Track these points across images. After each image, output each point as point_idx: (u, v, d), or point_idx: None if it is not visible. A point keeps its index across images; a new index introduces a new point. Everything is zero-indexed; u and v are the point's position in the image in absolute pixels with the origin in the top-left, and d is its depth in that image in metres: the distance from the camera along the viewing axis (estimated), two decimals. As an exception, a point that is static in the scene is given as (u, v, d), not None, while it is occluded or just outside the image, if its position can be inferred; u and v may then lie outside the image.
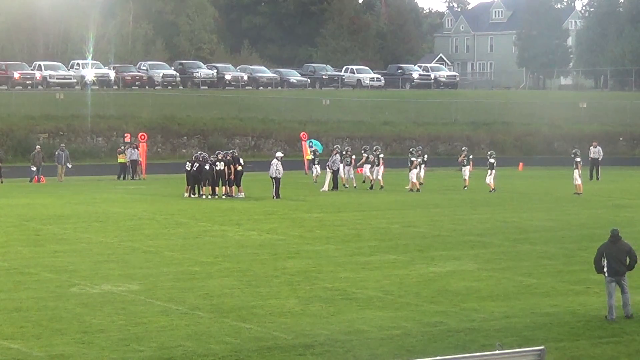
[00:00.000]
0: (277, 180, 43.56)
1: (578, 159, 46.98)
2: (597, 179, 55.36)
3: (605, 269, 21.64)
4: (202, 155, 44.68)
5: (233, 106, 74.82)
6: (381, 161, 48.73)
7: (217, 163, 43.64)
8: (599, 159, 56.68)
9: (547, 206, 42.18)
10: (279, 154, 45.01)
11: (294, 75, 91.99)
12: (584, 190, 46.90)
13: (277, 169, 43.58)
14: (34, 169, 51.93)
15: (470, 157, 49.59)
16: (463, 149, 52.46)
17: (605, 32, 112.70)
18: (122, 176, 53.90)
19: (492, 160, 47.57)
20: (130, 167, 54.16)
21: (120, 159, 54.29)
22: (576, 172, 46.73)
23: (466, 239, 32.61)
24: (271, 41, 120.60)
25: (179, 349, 18.89)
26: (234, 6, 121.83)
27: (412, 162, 47.48)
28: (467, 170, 48.87)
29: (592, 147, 57.61)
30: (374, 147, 50.82)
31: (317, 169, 51.77)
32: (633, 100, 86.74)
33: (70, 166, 53.04)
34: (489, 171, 47.44)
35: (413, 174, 47.41)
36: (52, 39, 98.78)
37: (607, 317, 21.52)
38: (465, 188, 48.34)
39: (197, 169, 43.62)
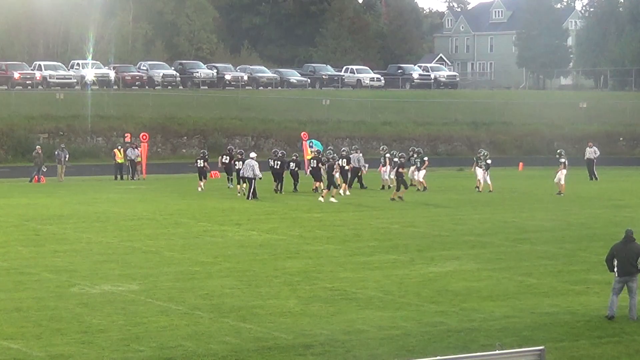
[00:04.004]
0: (252, 180, 43.25)
1: (563, 160, 46.44)
2: (596, 178, 55.33)
3: (615, 269, 21.58)
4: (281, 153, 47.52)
5: (233, 106, 74.78)
6: (388, 162, 49.02)
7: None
8: (595, 159, 56.52)
9: (547, 206, 42.15)
10: (254, 154, 44.61)
11: (294, 75, 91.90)
12: (583, 191, 46.85)
13: (254, 170, 43.00)
14: (45, 169, 51.87)
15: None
16: (480, 149, 52.05)
17: (605, 32, 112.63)
18: (118, 176, 53.75)
19: (488, 161, 47.54)
20: (130, 167, 54.11)
21: (118, 159, 54.03)
22: (561, 173, 46.23)
23: (466, 239, 32.60)
24: (271, 41, 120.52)
25: (179, 349, 18.89)
26: (234, 6, 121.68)
27: (423, 162, 47.72)
28: (480, 172, 48.51)
29: (587, 148, 57.49)
30: (382, 148, 51.35)
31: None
32: (633, 100, 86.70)
33: (69, 165, 53.02)
34: (486, 172, 47.37)
35: (421, 175, 47.73)
36: (52, 39, 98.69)
37: (607, 315, 21.48)
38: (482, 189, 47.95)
39: (279, 166, 45.95)
